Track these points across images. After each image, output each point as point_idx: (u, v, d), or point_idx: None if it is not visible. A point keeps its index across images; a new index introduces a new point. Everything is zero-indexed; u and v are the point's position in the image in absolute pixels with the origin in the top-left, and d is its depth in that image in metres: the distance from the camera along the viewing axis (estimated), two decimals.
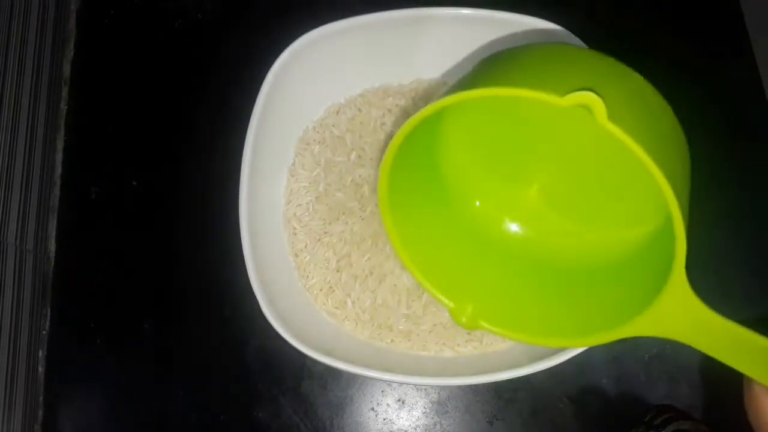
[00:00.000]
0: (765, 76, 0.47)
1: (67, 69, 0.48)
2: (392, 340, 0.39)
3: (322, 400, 0.41)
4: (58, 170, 0.46)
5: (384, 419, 0.41)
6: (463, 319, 0.34)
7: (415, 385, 0.41)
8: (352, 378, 0.42)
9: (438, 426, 0.41)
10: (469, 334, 0.38)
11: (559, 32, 0.38)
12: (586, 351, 0.34)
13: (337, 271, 0.40)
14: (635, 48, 0.45)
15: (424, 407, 0.41)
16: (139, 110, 0.47)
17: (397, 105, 0.43)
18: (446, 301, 0.35)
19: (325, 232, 0.40)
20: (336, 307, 0.39)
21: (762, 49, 0.47)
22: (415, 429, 0.41)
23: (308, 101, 0.42)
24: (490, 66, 0.31)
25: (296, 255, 0.40)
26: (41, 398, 0.42)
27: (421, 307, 0.39)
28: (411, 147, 0.32)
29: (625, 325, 0.29)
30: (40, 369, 0.43)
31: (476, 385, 0.41)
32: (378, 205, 0.33)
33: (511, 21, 0.39)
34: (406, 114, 0.42)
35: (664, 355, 0.41)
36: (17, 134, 0.43)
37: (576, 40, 0.38)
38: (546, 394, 0.41)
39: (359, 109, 0.43)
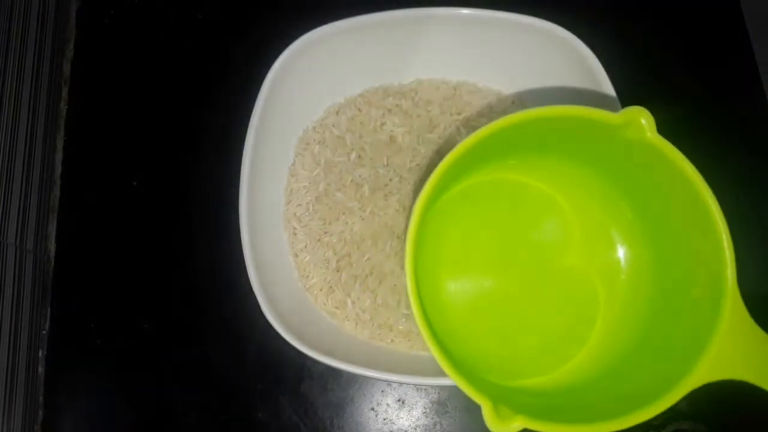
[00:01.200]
0: (765, 77, 0.47)
1: (67, 69, 0.48)
2: (392, 340, 0.39)
3: (322, 400, 0.41)
4: (58, 170, 0.46)
5: (384, 419, 0.41)
6: (501, 423, 0.28)
7: (415, 385, 0.41)
8: (352, 378, 0.42)
9: (438, 426, 0.41)
10: None
11: (559, 32, 0.38)
12: None
13: (337, 271, 0.40)
14: (634, 47, 0.45)
15: (424, 407, 0.41)
16: (139, 110, 0.47)
17: (397, 105, 0.43)
18: (482, 399, 0.29)
19: (325, 232, 0.40)
20: (336, 307, 0.39)
21: (762, 50, 0.48)
22: (415, 429, 0.41)
23: (308, 101, 0.42)
24: None
25: (296, 255, 0.40)
26: (41, 398, 0.42)
27: None
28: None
29: (687, 377, 0.28)
30: (40, 369, 0.43)
31: None
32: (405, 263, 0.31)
33: (510, 21, 0.39)
34: (406, 114, 0.42)
35: None
36: (17, 134, 0.43)
37: (575, 41, 0.38)
38: None
39: (359, 109, 0.43)
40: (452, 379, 0.29)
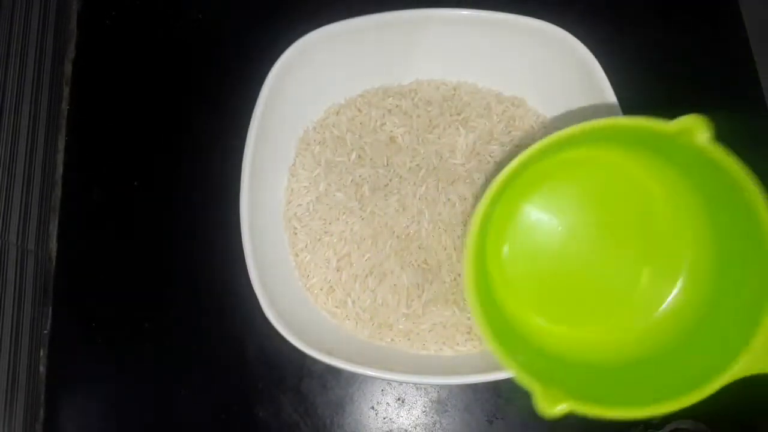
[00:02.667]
0: (765, 78, 0.47)
1: (68, 69, 0.48)
2: (392, 339, 0.39)
3: (322, 398, 0.42)
4: (60, 170, 0.47)
5: (384, 418, 0.41)
6: (550, 406, 0.29)
7: (415, 384, 0.41)
8: (352, 377, 0.42)
9: (438, 425, 0.41)
10: (468, 333, 0.39)
11: (558, 33, 0.39)
12: None
13: (338, 270, 0.40)
14: (633, 47, 0.45)
15: (424, 406, 0.41)
16: (141, 110, 0.47)
17: (397, 105, 0.43)
18: (533, 384, 0.30)
19: (326, 232, 0.41)
20: (336, 307, 0.40)
21: (762, 50, 0.48)
22: (415, 428, 0.41)
23: (308, 102, 0.42)
24: None
25: (297, 255, 0.41)
26: (42, 397, 0.43)
27: (420, 306, 0.39)
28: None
29: (731, 366, 0.30)
30: (42, 368, 0.43)
31: (476, 384, 0.41)
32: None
33: (509, 22, 0.39)
34: (406, 114, 0.43)
35: None
36: (19, 134, 0.43)
37: (574, 42, 0.38)
38: None
39: (359, 110, 0.43)
40: (503, 361, 0.31)
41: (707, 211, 0.35)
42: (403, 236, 0.40)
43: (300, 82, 0.40)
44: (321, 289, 0.40)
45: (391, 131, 0.42)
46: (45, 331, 0.44)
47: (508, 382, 0.41)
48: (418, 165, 0.41)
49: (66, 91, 0.48)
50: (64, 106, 0.48)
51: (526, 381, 0.30)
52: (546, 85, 0.41)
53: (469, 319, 0.39)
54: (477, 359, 0.38)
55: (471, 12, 0.40)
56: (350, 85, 0.43)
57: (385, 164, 0.42)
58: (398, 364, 0.37)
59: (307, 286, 0.40)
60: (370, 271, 0.40)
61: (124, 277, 0.44)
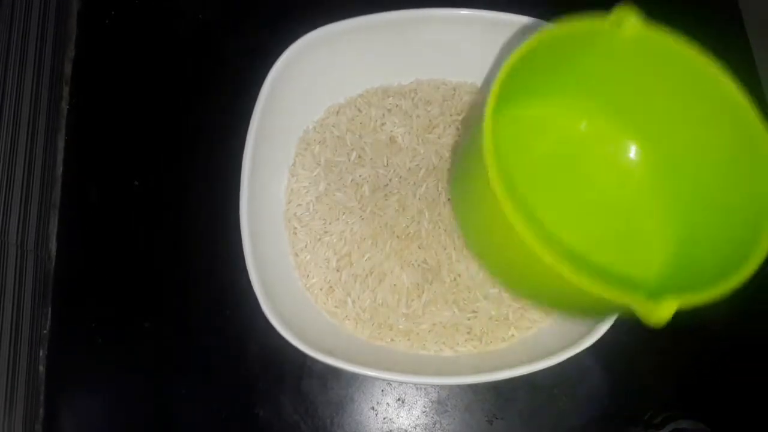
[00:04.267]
0: (764, 77, 0.47)
1: (68, 68, 0.48)
2: (392, 340, 0.39)
3: (322, 398, 0.42)
4: (59, 169, 0.46)
5: (384, 418, 0.41)
6: (658, 310, 0.25)
7: (415, 384, 0.41)
8: (353, 377, 0.42)
9: (438, 425, 0.41)
10: (468, 333, 0.39)
11: None
12: (586, 350, 0.34)
13: (337, 270, 0.40)
14: None
15: (424, 406, 0.41)
16: (140, 110, 0.47)
17: (397, 105, 0.43)
18: (631, 295, 0.25)
19: (326, 232, 0.41)
20: (336, 307, 0.40)
21: (762, 49, 0.48)
22: (415, 428, 0.41)
23: (308, 101, 0.42)
24: None
25: (296, 254, 0.41)
26: (42, 397, 0.43)
27: (420, 306, 0.39)
28: None
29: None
30: (41, 368, 0.43)
31: (476, 385, 0.41)
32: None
33: (509, 21, 0.39)
34: (406, 114, 0.42)
35: (663, 354, 0.42)
36: (18, 133, 0.43)
37: None
38: (546, 394, 0.41)
39: (359, 110, 0.43)
40: (588, 284, 0.25)
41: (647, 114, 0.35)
42: (403, 236, 0.40)
43: (300, 82, 0.40)
44: (321, 289, 0.40)
45: (391, 131, 0.42)
46: (44, 331, 0.44)
47: (508, 382, 0.41)
48: (418, 165, 0.41)
49: (66, 90, 0.48)
50: (64, 105, 0.48)
51: (620, 295, 0.25)
52: None
53: (469, 319, 0.39)
54: (477, 359, 0.38)
55: (471, 12, 0.40)
56: (350, 85, 0.43)
57: (385, 164, 0.42)
58: (398, 364, 0.37)
59: (307, 286, 0.40)
60: (370, 271, 0.40)
61: (124, 276, 0.44)
